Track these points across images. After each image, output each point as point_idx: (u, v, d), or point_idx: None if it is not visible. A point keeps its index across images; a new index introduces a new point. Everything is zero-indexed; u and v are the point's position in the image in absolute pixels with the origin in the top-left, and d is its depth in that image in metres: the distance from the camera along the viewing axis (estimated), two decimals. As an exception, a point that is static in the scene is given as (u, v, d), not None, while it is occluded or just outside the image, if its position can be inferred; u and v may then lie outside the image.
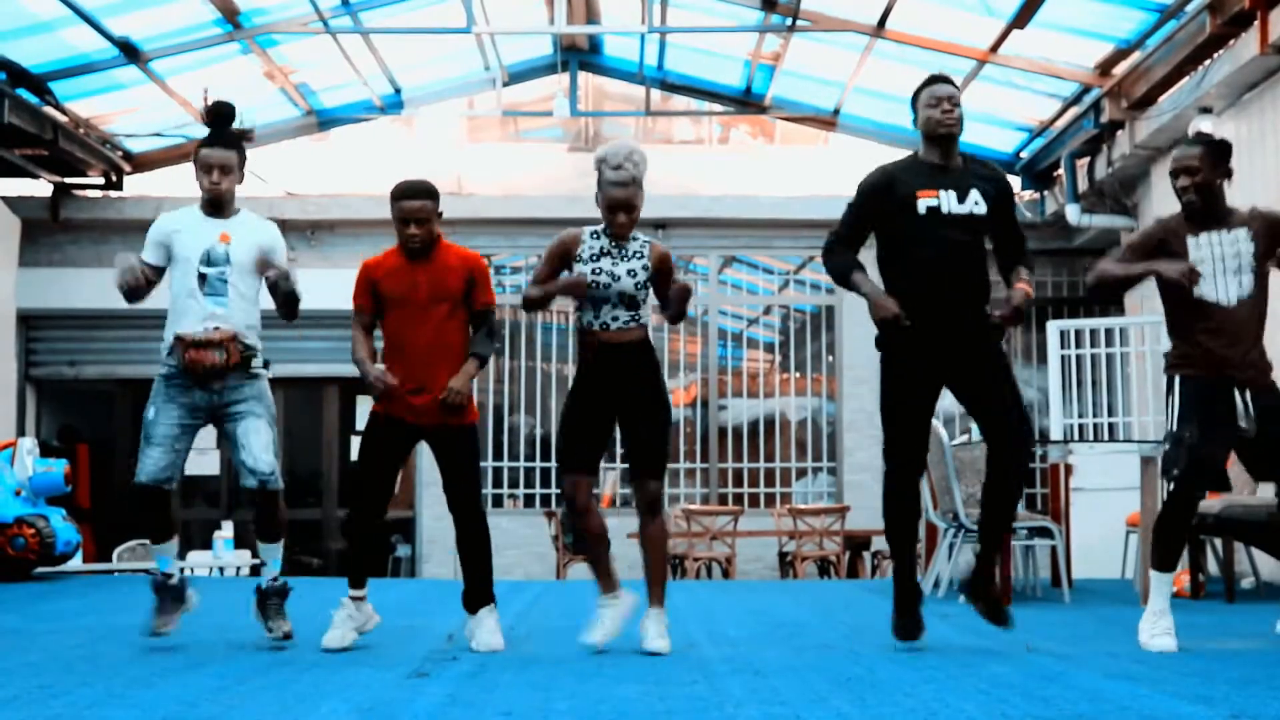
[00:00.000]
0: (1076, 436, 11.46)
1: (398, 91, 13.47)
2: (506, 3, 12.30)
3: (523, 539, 12.84)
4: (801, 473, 13.78)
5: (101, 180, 13.19)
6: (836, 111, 13.29)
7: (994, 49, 10.90)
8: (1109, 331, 11.66)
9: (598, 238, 5.33)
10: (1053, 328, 11.43)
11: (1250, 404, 5.18)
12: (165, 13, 10.87)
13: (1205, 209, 5.28)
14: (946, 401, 5.27)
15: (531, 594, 8.13)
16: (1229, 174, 5.32)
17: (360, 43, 12.03)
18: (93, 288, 12.07)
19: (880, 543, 11.86)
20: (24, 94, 11.15)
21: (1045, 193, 13.04)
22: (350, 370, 5.49)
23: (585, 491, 5.36)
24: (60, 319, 13.36)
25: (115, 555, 11.54)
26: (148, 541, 5.61)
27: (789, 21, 11.31)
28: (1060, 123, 12.07)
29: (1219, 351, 5.19)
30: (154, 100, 12.25)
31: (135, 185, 13.42)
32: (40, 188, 13.13)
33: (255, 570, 11.42)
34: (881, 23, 11.03)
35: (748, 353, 14.35)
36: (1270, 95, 9.06)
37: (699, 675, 4.52)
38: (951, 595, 7.49)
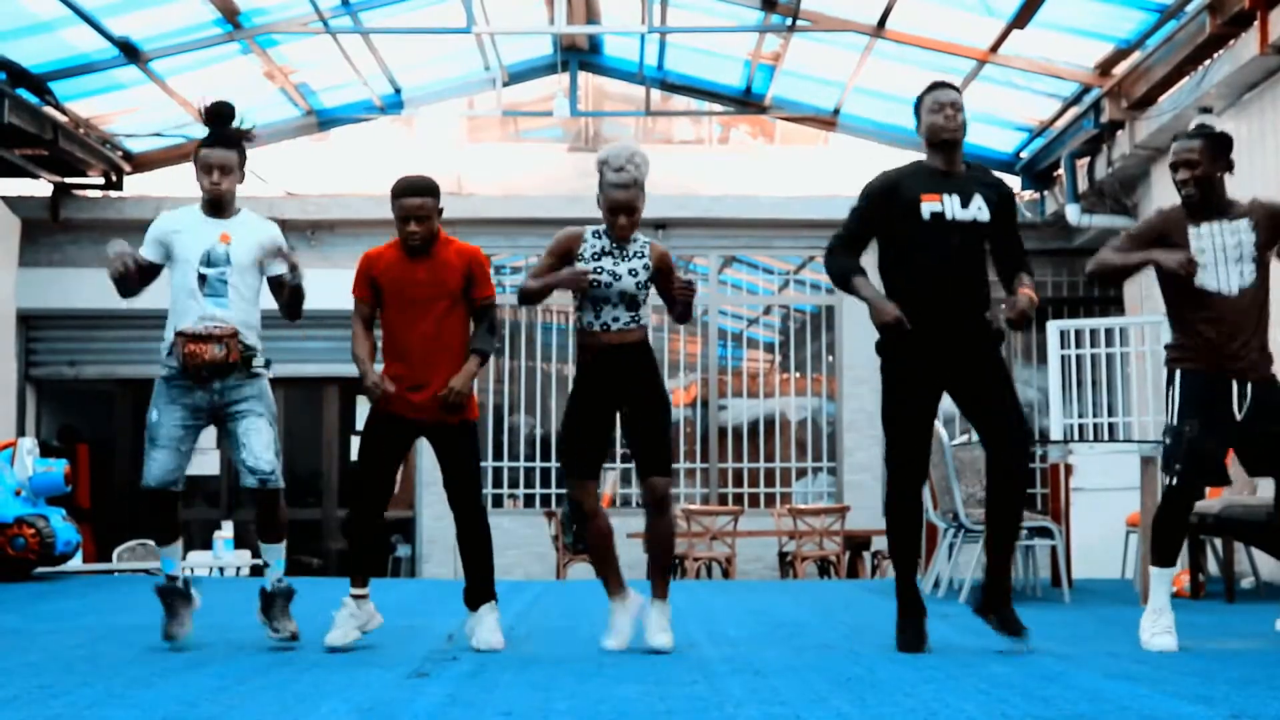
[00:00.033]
0: (1076, 436, 11.46)
1: (398, 91, 13.47)
2: (506, 3, 12.30)
3: (523, 539, 12.84)
4: (801, 473, 13.78)
5: (101, 180, 13.20)
6: (836, 111, 13.29)
7: (994, 49, 10.90)
8: (1109, 331, 11.66)
9: (599, 237, 5.33)
10: (1053, 328, 11.43)
11: (1248, 396, 5.17)
12: (165, 13, 10.87)
13: (1205, 202, 5.27)
14: (946, 402, 5.27)
15: (531, 594, 8.13)
16: (1229, 167, 5.31)
17: (360, 43, 12.03)
18: (93, 288, 12.05)
19: (880, 543, 11.86)
20: (24, 94, 11.15)
21: (1045, 193, 13.04)
22: (350, 370, 5.48)
23: (593, 495, 5.39)
24: (60, 319, 13.37)
25: (115, 555, 11.53)
26: (151, 542, 5.62)
27: (789, 21, 11.31)
28: (1060, 123, 12.07)
29: (1219, 341, 5.18)
30: (154, 100, 12.26)
31: (135, 185, 13.43)
32: (40, 188, 13.14)
33: (255, 570, 11.42)
34: (881, 23, 11.03)
35: (748, 353, 14.35)
36: (1270, 95, 9.06)
37: (699, 675, 4.52)
38: (951, 595, 7.49)
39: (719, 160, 14.83)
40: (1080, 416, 11.65)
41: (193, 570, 10.93)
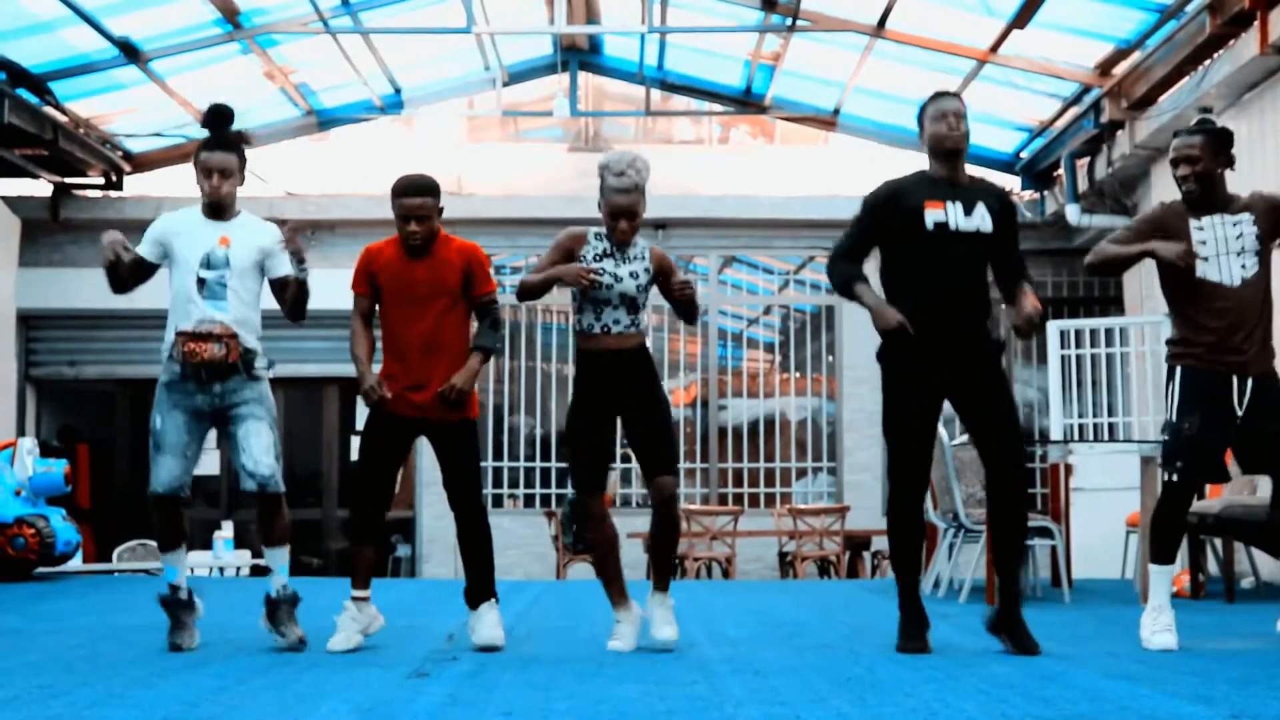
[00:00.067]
0: (1076, 436, 11.46)
1: (398, 91, 13.47)
2: (506, 3, 12.30)
3: (523, 539, 12.84)
4: (801, 473, 13.78)
5: (101, 180, 13.20)
6: (836, 111, 13.28)
7: (994, 49, 10.90)
8: (1109, 331, 11.66)
9: (601, 240, 5.34)
10: (1053, 328, 11.42)
11: (1248, 390, 5.17)
12: (165, 13, 10.87)
13: (1205, 198, 5.27)
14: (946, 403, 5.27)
15: (531, 594, 8.13)
16: (1230, 162, 5.30)
17: (360, 43, 12.03)
18: (93, 288, 11.97)
19: (880, 543, 11.86)
20: (24, 94, 11.15)
21: (1045, 193, 13.04)
22: (351, 369, 5.48)
23: (602, 503, 5.42)
24: (60, 319, 13.37)
25: (115, 555, 11.53)
26: (151, 542, 5.61)
27: (789, 21, 11.31)
28: (1060, 123, 12.07)
29: (1222, 334, 5.17)
30: (154, 100, 12.26)
31: (135, 185, 13.42)
32: (40, 188, 13.14)
33: (256, 570, 11.42)
34: (881, 23, 11.03)
35: (748, 353, 14.35)
36: (1270, 95, 9.06)
37: (699, 675, 4.52)
38: (951, 595, 7.49)
39: (719, 160, 14.84)
40: (1080, 416, 11.65)
41: (192, 570, 10.92)
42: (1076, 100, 11.53)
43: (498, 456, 13.49)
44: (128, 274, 5.35)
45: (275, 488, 5.30)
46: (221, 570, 11.52)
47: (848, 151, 14.17)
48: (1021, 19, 10.12)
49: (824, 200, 13.16)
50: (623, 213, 5.26)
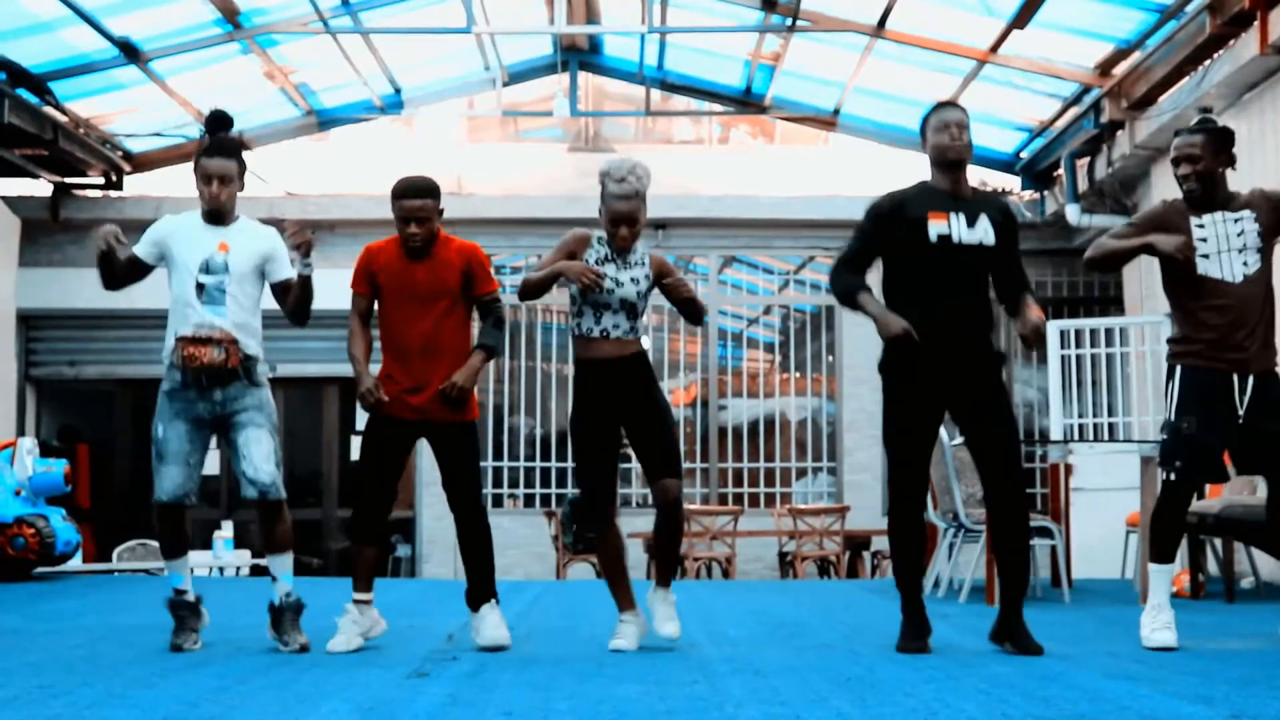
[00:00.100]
0: (1076, 436, 11.45)
1: (398, 91, 13.47)
2: (506, 3, 12.30)
3: (523, 539, 12.84)
4: (801, 473, 13.78)
5: (101, 180, 13.20)
6: (836, 111, 13.28)
7: (994, 49, 10.90)
8: (1109, 331, 11.65)
9: (603, 244, 5.34)
10: (1053, 328, 11.41)
11: (1248, 389, 5.17)
12: (165, 13, 10.87)
13: (1206, 196, 5.27)
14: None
15: (531, 594, 8.13)
16: (1231, 162, 5.30)
17: (360, 43, 12.03)
18: (93, 288, 11.90)
19: (880, 542, 11.87)
20: (24, 94, 11.15)
21: (1045, 193, 13.03)
22: (351, 370, 5.48)
23: (613, 514, 5.44)
24: (60, 319, 13.37)
25: (115, 555, 11.53)
26: (151, 542, 5.61)
27: (789, 21, 11.31)
28: (1060, 123, 12.07)
29: (1224, 331, 5.17)
30: (154, 100, 12.26)
31: (135, 185, 13.43)
32: (40, 188, 13.14)
33: (256, 570, 11.42)
34: (881, 23, 11.03)
35: (748, 353, 14.35)
36: (1270, 95, 9.06)
37: (699, 675, 4.52)
38: (951, 595, 7.49)
39: (719, 160, 14.84)
40: (1080, 416, 11.65)
41: (192, 570, 10.91)
42: (1076, 100, 11.53)
43: (498, 456, 13.49)
44: (121, 270, 5.35)
45: (276, 495, 5.29)
46: (221, 570, 11.52)
47: (848, 152, 14.17)
48: (1021, 19, 10.12)
49: (824, 200, 13.16)
50: (623, 219, 5.26)
